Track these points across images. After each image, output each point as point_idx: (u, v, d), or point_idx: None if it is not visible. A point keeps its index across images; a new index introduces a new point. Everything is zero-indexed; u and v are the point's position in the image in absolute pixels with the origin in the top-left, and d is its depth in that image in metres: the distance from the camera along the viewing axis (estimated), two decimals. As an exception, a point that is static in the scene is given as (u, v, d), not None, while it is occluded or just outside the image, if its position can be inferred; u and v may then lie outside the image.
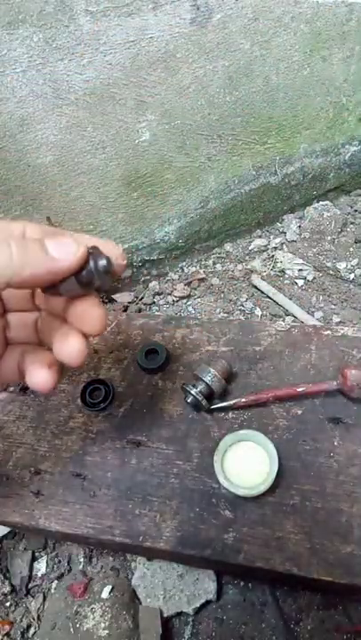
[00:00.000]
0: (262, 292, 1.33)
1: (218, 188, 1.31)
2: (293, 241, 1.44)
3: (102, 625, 0.84)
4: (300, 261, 1.39)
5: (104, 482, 0.53)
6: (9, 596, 0.89)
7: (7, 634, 0.85)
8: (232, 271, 1.40)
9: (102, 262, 0.29)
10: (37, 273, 0.27)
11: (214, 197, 1.33)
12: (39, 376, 0.33)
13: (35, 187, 1.05)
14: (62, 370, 0.34)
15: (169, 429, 0.56)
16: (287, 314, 1.27)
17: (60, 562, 0.92)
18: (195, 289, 1.38)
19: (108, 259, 0.29)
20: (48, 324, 0.35)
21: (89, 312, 0.31)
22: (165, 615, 0.81)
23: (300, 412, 0.55)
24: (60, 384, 0.61)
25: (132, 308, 1.32)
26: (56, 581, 0.90)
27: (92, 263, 0.29)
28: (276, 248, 1.45)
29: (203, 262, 1.44)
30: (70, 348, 0.31)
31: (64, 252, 0.28)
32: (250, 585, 0.85)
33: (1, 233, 0.29)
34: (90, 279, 0.29)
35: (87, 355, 0.32)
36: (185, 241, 1.37)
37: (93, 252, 0.29)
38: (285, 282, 1.36)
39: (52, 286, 0.30)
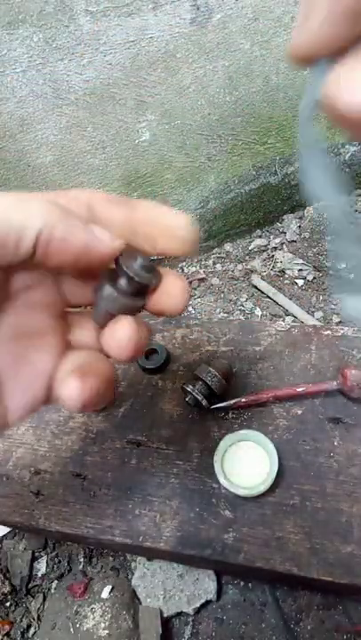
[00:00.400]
0: (262, 292, 1.33)
1: (218, 188, 1.31)
2: (293, 241, 1.44)
3: (102, 625, 0.84)
4: (300, 261, 1.39)
5: (104, 482, 0.53)
6: (9, 596, 0.89)
7: (7, 634, 0.85)
8: (232, 271, 1.40)
9: (138, 262, 0.24)
10: (70, 239, 0.22)
11: (214, 197, 1.33)
12: (69, 387, 0.25)
13: (35, 187, 1.05)
14: (102, 389, 0.25)
15: (169, 429, 0.56)
16: (287, 314, 1.27)
17: (60, 562, 0.92)
18: (195, 289, 1.38)
19: (141, 255, 0.24)
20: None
21: (168, 286, 0.26)
22: (165, 615, 0.81)
23: (300, 412, 0.55)
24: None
25: (132, 308, 1.32)
26: (56, 581, 0.90)
27: (125, 268, 0.24)
28: (276, 248, 1.45)
29: (203, 262, 1.44)
30: (119, 334, 0.25)
31: (105, 235, 0.23)
32: (250, 585, 0.85)
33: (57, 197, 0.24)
34: (134, 283, 0.24)
35: (141, 345, 0.25)
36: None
37: (123, 255, 0.24)
38: (285, 282, 1.36)
39: (105, 317, 0.25)
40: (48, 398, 0.26)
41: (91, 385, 0.25)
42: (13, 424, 0.26)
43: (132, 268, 0.24)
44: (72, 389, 0.24)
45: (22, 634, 0.85)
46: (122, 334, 0.25)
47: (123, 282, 0.24)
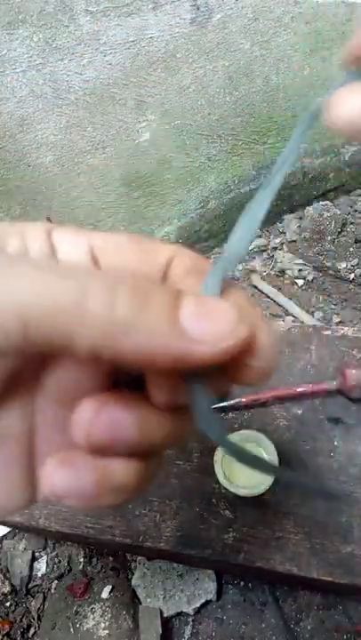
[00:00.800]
0: (262, 292, 1.33)
1: (218, 187, 1.31)
2: (293, 241, 1.44)
3: (102, 625, 0.84)
4: (300, 261, 1.39)
5: (104, 482, 0.53)
6: (9, 596, 0.89)
7: (7, 634, 0.85)
8: (232, 271, 1.40)
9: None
10: (151, 350, 0.14)
11: (214, 197, 1.33)
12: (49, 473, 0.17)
13: (35, 187, 1.05)
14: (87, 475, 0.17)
15: (169, 429, 0.56)
16: (287, 314, 1.27)
17: (60, 562, 0.92)
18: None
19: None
20: None
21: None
22: (165, 615, 0.81)
23: (300, 412, 0.55)
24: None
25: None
26: (56, 581, 0.90)
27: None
28: (276, 248, 1.45)
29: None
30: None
31: (211, 329, 0.14)
32: (250, 585, 0.85)
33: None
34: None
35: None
36: (185, 241, 1.37)
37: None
38: (285, 282, 1.36)
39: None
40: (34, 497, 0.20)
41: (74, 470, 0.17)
42: (41, 497, 0.19)
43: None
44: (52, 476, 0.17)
45: (22, 634, 0.85)
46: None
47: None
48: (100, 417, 0.16)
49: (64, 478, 0.16)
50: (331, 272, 1.35)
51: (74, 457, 0.17)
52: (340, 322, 1.24)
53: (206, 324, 0.14)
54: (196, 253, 0.19)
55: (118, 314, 0.13)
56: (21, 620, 0.86)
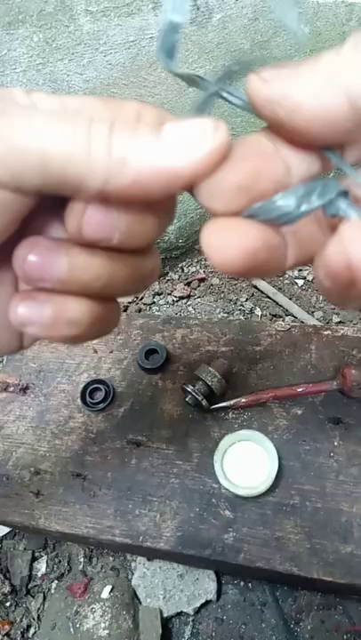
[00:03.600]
0: (262, 292, 1.33)
1: (218, 188, 1.31)
2: (293, 241, 1.44)
3: (102, 625, 0.84)
4: (300, 261, 1.39)
5: (104, 482, 0.53)
6: (9, 596, 0.89)
7: (7, 634, 0.85)
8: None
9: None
10: (142, 179, 0.16)
11: (214, 197, 1.33)
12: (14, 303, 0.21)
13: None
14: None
15: (169, 429, 0.56)
16: (287, 314, 1.27)
17: (60, 562, 0.92)
18: (195, 289, 1.38)
19: None
20: None
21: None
22: (165, 615, 0.81)
23: (300, 412, 0.55)
24: (60, 384, 0.61)
25: (131, 307, 1.32)
26: (56, 581, 0.90)
27: None
28: (276, 248, 1.45)
29: (203, 262, 1.44)
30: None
31: (189, 138, 0.16)
32: (250, 585, 0.85)
33: (101, 110, 0.18)
34: None
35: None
36: (185, 241, 1.37)
37: None
38: (285, 282, 1.36)
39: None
40: (21, 344, 0.24)
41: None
42: None
43: None
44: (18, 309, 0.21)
45: (22, 634, 0.85)
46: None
47: None
48: (32, 254, 0.19)
49: (26, 309, 0.20)
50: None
51: (36, 294, 0.20)
52: (340, 322, 1.24)
53: (185, 134, 0.17)
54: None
55: (115, 153, 0.16)
56: (21, 620, 0.86)
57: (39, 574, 0.92)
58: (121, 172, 0.16)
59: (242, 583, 0.85)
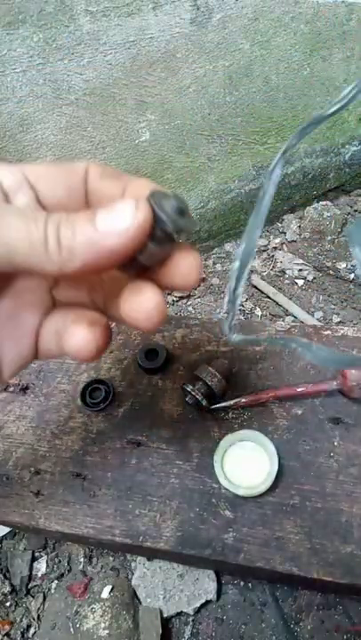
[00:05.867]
0: (262, 292, 1.33)
1: (218, 187, 1.31)
2: (293, 241, 1.44)
3: (102, 625, 0.84)
4: (300, 261, 1.39)
5: (104, 482, 0.53)
6: (9, 596, 0.89)
7: (7, 634, 0.85)
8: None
9: (171, 204, 0.21)
10: (88, 260, 0.21)
11: (214, 197, 1.33)
12: (79, 336, 0.26)
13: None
14: (109, 334, 0.27)
15: (169, 429, 0.56)
16: (287, 314, 1.27)
17: (60, 562, 0.92)
18: (195, 289, 1.38)
19: (176, 197, 0.22)
20: (110, 281, 0.28)
21: (178, 261, 0.25)
22: (165, 615, 0.81)
23: (300, 412, 0.55)
24: (60, 384, 0.61)
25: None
26: (56, 581, 0.90)
27: (159, 213, 0.21)
28: (276, 248, 1.45)
29: (203, 262, 1.44)
30: (146, 302, 0.24)
31: (112, 223, 0.21)
32: (250, 585, 0.85)
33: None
34: (165, 233, 0.22)
35: (164, 317, 0.24)
36: (185, 241, 1.37)
37: (154, 197, 0.22)
38: (285, 282, 1.36)
39: (135, 267, 0.23)
40: (36, 354, 0.29)
41: (97, 333, 0.26)
42: (6, 381, 0.30)
43: (166, 213, 0.21)
44: (80, 338, 0.26)
45: (22, 634, 0.85)
46: (148, 304, 0.24)
47: (157, 230, 0.22)
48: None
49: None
50: (331, 272, 1.35)
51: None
52: (340, 322, 1.24)
53: (113, 217, 0.20)
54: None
55: (64, 245, 0.20)
56: (21, 620, 0.86)
57: (39, 574, 0.92)
58: (70, 260, 0.21)
59: (242, 583, 0.85)
